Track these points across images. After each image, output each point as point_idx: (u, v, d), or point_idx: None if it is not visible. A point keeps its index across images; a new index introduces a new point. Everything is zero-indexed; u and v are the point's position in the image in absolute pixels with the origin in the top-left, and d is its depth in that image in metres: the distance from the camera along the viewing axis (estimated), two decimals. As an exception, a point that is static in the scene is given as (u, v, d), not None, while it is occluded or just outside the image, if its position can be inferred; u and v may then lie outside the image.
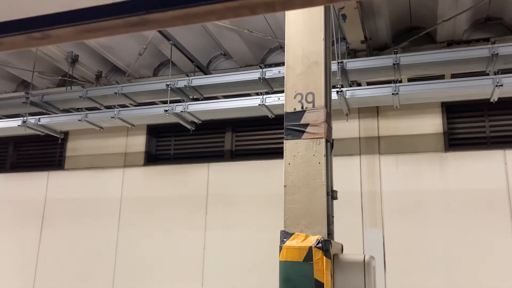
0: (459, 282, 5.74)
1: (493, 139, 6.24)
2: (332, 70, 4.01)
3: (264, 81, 5.92)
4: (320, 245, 3.17)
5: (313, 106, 3.41)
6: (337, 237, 3.60)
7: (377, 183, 6.38)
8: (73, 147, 8.26)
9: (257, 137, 7.43)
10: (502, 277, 5.61)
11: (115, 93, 6.64)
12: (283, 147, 3.58)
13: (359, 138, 6.66)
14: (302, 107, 3.44)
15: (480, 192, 5.94)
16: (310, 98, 3.42)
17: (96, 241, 7.58)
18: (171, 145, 7.93)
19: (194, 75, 6.60)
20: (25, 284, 7.77)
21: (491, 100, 5.52)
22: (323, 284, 3.09)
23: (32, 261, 7.87)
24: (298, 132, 3.46)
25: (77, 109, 7.48)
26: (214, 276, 6.81)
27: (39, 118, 7.13)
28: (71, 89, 7.42)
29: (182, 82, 6.32)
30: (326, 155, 3.43)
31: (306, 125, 3.43)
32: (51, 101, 7.14)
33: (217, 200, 7.11)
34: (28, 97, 6.97)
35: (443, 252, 5.88)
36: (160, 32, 6.09)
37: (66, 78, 7.51)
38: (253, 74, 5.97)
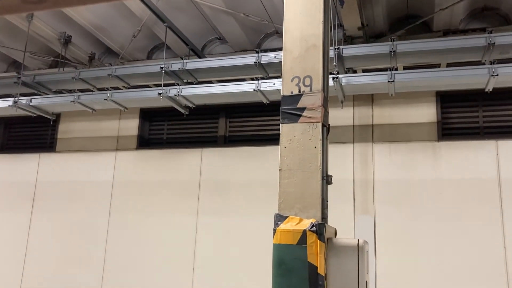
0: (449, 270, 5.80)
1: (486, 129, 6.28)
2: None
3: (259, 66, 5.88)
4: (314, 228, 3.17)
5: (311, 89, 3.38)
6: (329, 224, 3.60)
7: (370, 171, 6.41)
8: (65, 129, 8.17)
9: (251, 123, 7.40)
10: (491, 265, 5.68)
11: (108, 75, 6.56)
12: (277, 133, 3.55)
13: (353, 126, 6.66)
14: (299, 91, 3.41)
15: (471, 182, 5.98)
16: (307, 82, 3.39)
17: (87, 224, 7.54)
18: (164, 129, 7.87)
19: (189, 59, 6.53)
20: (15, 266, 7.74)
21: (486, 90, 5.53)
22: (316, 267, 3.09)
23: (23, 242, 7.82)
24: (295, 116, 3.43)
25: (70, 91, 7.38)
26: (206, 260, 6.82)
27: (31, 98, 7.03)
28: (63, 70, 7.32)
29: (176, 65, 6.26)
30: (322, 140, 3.42)
31: (303, 109, 3.40)
32: (43, 82, 7.04)
33: (210, 186, 7.09)
34: (19, 77, 6.86)
35: (433, 240, 5.94)
36: (155, 13, 6.00)
37: (58, 59, 7.40)
38: (249, 59, 5.91)
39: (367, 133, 6.58)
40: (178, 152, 7.40)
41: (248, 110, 7.34)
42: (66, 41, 7.10)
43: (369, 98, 6.67)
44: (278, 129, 3.53)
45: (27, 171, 8.13)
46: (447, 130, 6.38)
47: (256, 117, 7.35)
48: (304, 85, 3.41)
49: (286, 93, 3.47)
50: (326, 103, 3.50)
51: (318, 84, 3.38)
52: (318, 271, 3.09)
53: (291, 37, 3.50)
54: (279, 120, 3.53)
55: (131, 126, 7.80)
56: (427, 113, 6.41)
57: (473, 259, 5.74)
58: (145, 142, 7.81)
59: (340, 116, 6.61)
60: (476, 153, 6.06)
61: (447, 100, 6.46)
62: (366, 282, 3.17)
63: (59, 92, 7.44)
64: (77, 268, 7.40)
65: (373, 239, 6.13)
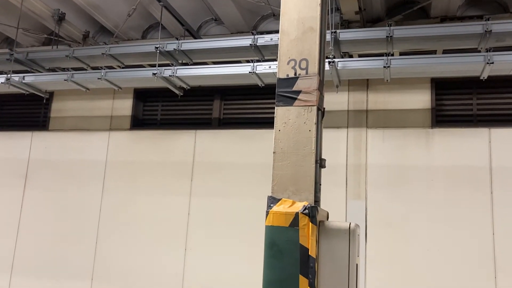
0: (439, 254, 5.89)
1: (479, 117, 6.31)
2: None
3: (255, 48, 5.83)
4: (306, 211, 3.19)
5: (307, 72, 3.37)
6: (322, 208, 3.63)
7: (363, 156, 6.44)
8: (58, 108, 8.11)
9: (245, 106, 7.39)
10: (480, 249, 5.76)
11: (102, 53, 6.49)
12: (272, 117, 3.55)
13: (348, 111, 6.66)
14: (295, 74, 3.40)
15: (463, 168, 6.03)
16: (303, 65, 3.37)
17: (79, 204, 7.55)
18: (158, 110, 7.84)
19: (184, 39, 6.47)
20: (7, 244, 7.75)
21: (481, 78, 5.54)
22: (308, 249, 3.13)
23: (15, 220, 7.82)
24: (290, 99, 3.43)
25: (63, 69, 7.31)
26: (198, 241, 6.87)
27: (24, 76, 6.95)
28: (57, 48, 7.23)
29: (171, 46, 6.20)
30: (317, 123, 3.42)
31: (298, 92, 3.39)
32: (36, 59, 6.95)
33: (203, 167, 7.10)
34: (12, 54, 6.77)
35: (424, 225, 6.01)
36: (151, -8, 5.92)
37: (52, 37, 7.30)
38: (245, 41, 5.86)
39: (362, 118, 6.59)
40: (172, 133, 7.38)
41: (243, 92, 7.32)
42: (60, 18, 6.99)
43: (364, 84, 6.66)
44: (273, 113, 3.52)
45: (19, 149, 8.09)
46: (441, 117, 6.41)
47: (251, 100, 7.33)
48: (300, 68, 3.39)
49: (282, 75, 3.46)
50: (321, 87, 3.50)
51: (314, 68, 3.37)
52: (309, 253, 3.13)
53: (288, 19, 3.47)
54: (274, 103, 3.52)
55: (125, 106, 7.75)
56: (421, 99, 6.42)
57: (463, 244, 5.83)
58: (139, 122, 7.78)
59: (335, 101, 6.60)
60: (469, 141, 6.11)
61: (442, 87, 6.47)
62: (357, 265, 3.21)
63: (53, 70, 7.36)
64: (69, 246, 7.43)
65: (364, 223, 6.19)
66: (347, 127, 6.61)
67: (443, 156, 6.15)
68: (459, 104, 6.46)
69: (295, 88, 3.41)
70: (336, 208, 6.16)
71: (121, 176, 7.46)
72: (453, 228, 5.90)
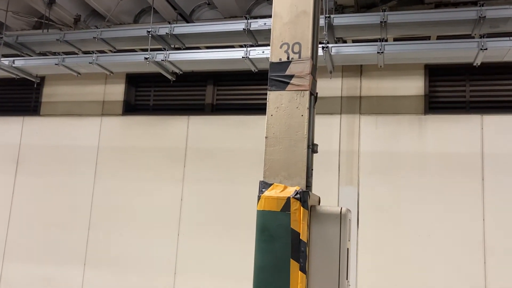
0: (430, 240, 5.94)
1: (472, 103, 6.32)
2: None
3: (249, 33, 5.78)
4: (298, 196, 3.19)
5: (299, 57, 3.34)
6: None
7: (356, 143, 6.44)
8: (49, 93, 8.03)
9: (239, 92, 7.35)
10: (470, 234, 5.82)
11: (94, 37, 6.41)
12: (265, 103, 3.53)
13: (341, 97, 6.65)
14: (288, 58, 3.38)
15: (455, 155, 6.06)
16: (296, 49, 3.34)
17: (72, 189, 7.51)
18: (150, 95, 7.78)
19: (177, 24, 6.40)
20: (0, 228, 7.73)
21: (474, 64, 5.54)
22: (299, 233, 3.14)
23: (7, 205, 7.78)
24: (283, 84, 3.41)
25: (54, 53, 7.21)
26: (191, 226, 6.87)
27: (14, 60, 6.86)
28: (47, 31, 7.13)
29: (164, 30, 6.13)
30: (310, 108, 3.41)
31: (291, 76, 3.37)
32: (26, 43, 6.86)
33: (196, 153, 7.08)
34: (1, 37, 6.67)
35: (416, 211, 6.05)
36: (142, -25, 5.83)
37: (42, 20, 7.19)
38: (238, 25, 5.81)
39: (355, 105, 6.58)
40: (165, 119, 7.34)
41: (237, 78, 7.27)
42: (51, 1, 6.87)
43: (357, 70, 6.64)
44: (266, 99, 3.50)
45: (11, 134, 8.02)
46: (434, 104, 6.41)
47: (244, 86, 7.29)
48: (293, 52, 3.37)
49: (275, 59, 3.43)
50: (314, 72, 3.48)
51: (307, 52, 3.34)
52: (300, 237, 3.14)
53: (281, 2, 3.44)
54: (267, 89, 3.50)
55: (117, 91, 7.69)
56: (415, 86, 6.42)
57: (454, 229, 5.88)
58: (131, 108, 7.72)
59: (328, 87, 6.59)
60: (461, 127, 6.13)
61: (435, 73, 6.46)
62: (348, 249, 3.23)
63: (43, 54, 7.27)
64: (62, 231, 7.41)
65: (356, 209, 6.22)
66: (340, 114, 6.60)
67: (435, 143, 6.17)
68: (452, 91, 6.46)
69: (287, 73, 3.39)
70: (328, 194, 6.20)
71: (114, 161, 7.42)
72: (444, 213, 5.95)
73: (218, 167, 6.92)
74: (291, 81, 3.38)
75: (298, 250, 3.12)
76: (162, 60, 6.24)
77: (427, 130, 6.23)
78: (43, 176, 7.69)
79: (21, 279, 7.48)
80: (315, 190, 3.60)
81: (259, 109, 6.77)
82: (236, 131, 6.96)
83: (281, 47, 3.40)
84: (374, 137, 6.40)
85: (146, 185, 7.17)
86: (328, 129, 6.51)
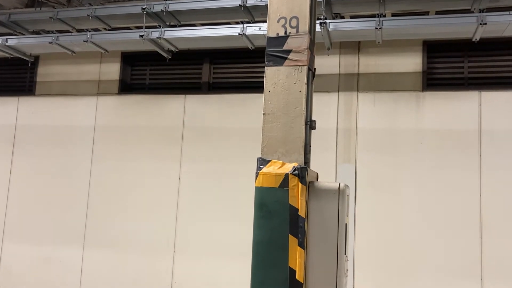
0: (427, 216, 5.97)
1: (470, 80, 6.29)
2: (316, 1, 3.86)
3: (245, 9, 5.70)
4: (296, 172, 3.19)
5: (297, 31, 3.29)
6: (312, 170, 3.63)
7: (353, 120, 6.42)
8: (44, 72, 7.94)
9: (235, 70, 7.28)
10: (467, 211, 5.86)
11: (88, 15, 6.30)
12: (262, 81, 3.49)
13: (339, 74, 6.60)
14: (286, 32, 3.33)
15: (453, 132, 6.05)
16: (294, 23, 3.29)
17: (69, 169, 7.50)
18: (146, 74, 7.71)
19: (172, 0, 6.29)
20: (-3, 210, 7.74)
21: (473, 39, 5.49)
22: (297, 209, 3.14)
23: (4, 186, 7.77)
24: (280, 59, 3.36)
25: (47, 32, 7.10)
26: (189, 205, 6.89)
27: (6, 38, 6.76)
28: (40, 9, 7.00)
29: (158, 6, 6.03)
30: (307, 84, 3.37)
31: (289, 51, 3.33)
32: (19, 21, 6.75)
33: (194, 132, 7.05)
34: (-6, 16, 6.56)
35: (413, 187, 6.07)
36: (136, -50, 5.71)
37: (35, -2, 7.06)
38: (234, 1, 5.72)
39: (352, 82, 6.54)
40: (161, 98, 7.28)
41: (233, 56, 7.19)
42: (43, -22, 6.76)
43: (355, 47, 6.57)
44: (263, 77, 3.46)
45: (6, 114, 7.95)
46: (432, 80, 6.37)
47: (241, 64, 7.22)
48: (290, 26, 3.31)
49: (272, 34, 3.38)
50: (312, 46, 3.43)
51: (305, 26, 3.29)
52: (299, 213, 3.14)
53: (278, -25, 3.37)
54: (264, 66, 3.45)
55: (112, 70, 7.61)
56: (413, 62, 6.37)
57: (450, 205, 5.91)
58: (127, 87, 7.65)
59: (326, 64, 6.53)
60: (459, 104, 6.10)
61: (433, 49, 6.40)
62: (346, 224, 3.24)
63: (37, 33, 7.16)
64: (60, 211, 7.42)
65: (354, 187, 6.24)
66: (338, 91, 6.56)
67: (433, 120, 6.15)
68: (450, 67, 6.42)
69: (285, 47, 3.34)
70: (326, 172, 6.18)
71: (111, 141, 7.39)
72: (441, 190, 5.97)
73: (216, 146, 6.90)
74: (289, 56, 3.34)
75: (296, 225, 3.13)
76: (157, 37, 6.15)
77: (425, 107, 6.21)
78: (40, 157, 7.66)
79: (20, 259, 7.52)
80: (313, 168, 3.59)
81: (256, 87, 6.72)
82: (233, 109, 6.92)
83: (278, 21, 3.35)
84: (371, 114, 6.38)
85: (144, 164, 7.16)
86: (326, 107, 6.48)
